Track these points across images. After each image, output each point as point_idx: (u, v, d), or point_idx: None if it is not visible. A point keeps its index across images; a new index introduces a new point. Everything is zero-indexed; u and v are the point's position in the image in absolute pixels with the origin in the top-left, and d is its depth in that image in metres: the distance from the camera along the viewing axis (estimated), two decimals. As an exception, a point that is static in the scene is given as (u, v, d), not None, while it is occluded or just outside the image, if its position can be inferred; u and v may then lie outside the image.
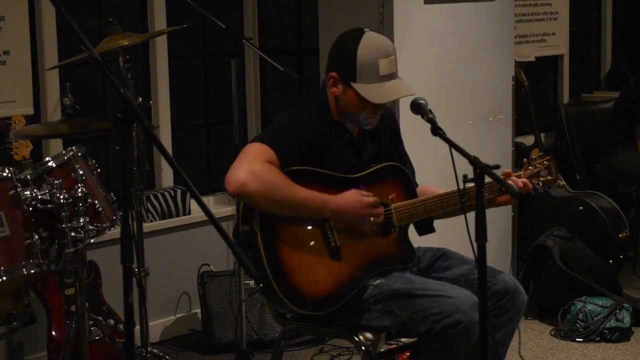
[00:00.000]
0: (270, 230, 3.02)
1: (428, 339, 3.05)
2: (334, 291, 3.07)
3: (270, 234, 3.02)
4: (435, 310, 3.02)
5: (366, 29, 3.18)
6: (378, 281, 3.14)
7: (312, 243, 3.06)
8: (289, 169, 3.03)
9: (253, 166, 2.96)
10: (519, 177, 3.30)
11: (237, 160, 3.01)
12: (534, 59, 6.35)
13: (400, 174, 3.28)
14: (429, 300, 3.05)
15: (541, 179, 3.35)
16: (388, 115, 3.38)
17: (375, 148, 3.32)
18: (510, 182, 3.14)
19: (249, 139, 5.38)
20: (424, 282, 3.18)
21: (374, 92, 3.11)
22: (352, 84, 3.12)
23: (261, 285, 3.04)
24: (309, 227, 3.07)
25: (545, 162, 3.36)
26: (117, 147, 2.46)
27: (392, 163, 3.28)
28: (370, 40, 3.14)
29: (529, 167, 3.36)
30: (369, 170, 3.21)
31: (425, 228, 3.33)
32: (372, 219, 3.09)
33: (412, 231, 3.31)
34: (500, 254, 5.08)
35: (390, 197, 3.21)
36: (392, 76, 3.15)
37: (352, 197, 3.07)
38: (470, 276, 3.24)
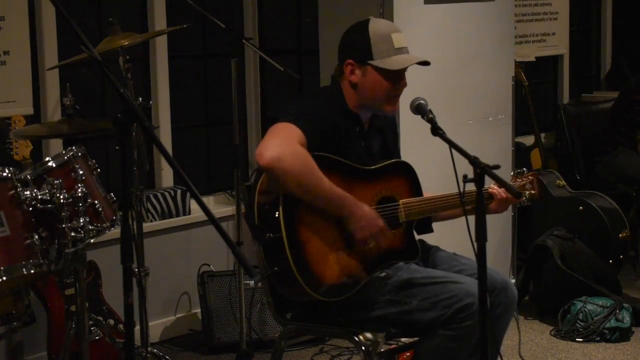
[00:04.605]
0: (291, 212, 3.02)
1: (435, 328, 3.07)
2: (348, 278, 3.09)
3: (291, 216, 3.02)
4: (445, 296, 3.06)
5: (370, 17, 3.25)
6: (384, 273, 3.17)
7: (329, 229, 3.08)
8: (313, 153, 3.04)
9: (290, 145, 2.97)
10: None
11: (270, 136, 3.01)
12: (534, 59, 6.35)
13: (409, 171, 3.32)
14: (439, 287, 3.09)
15: (525, 191, 3.53)
16: (391, 117, 3.43)
17: (382, 143, 3.36)
18: (493, 191, 3.33)
19: (249, 137, 5.46)
20: (430, 271, 3.23)
21: (392, 62, 3.15)
22: (369, 62, 3.16)
23: (276, 268, 3.04)
24: (327, 213, 3.07)
25: (529, 177, 3.56)
26: (117, 147, 2.45)
27: (403, 160, 3.33)
28: (378, 21, 3.24)
29: (517, 180, 3.55)
30: (384, 164, 3.25)
31: (424, 228, 3.38)
32: (373, 242, 3.11)
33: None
34: (500, 254, 5.08)
35: (398, 192, 3.23)
36: (407, 50, 3.21)
37: (374, 215, 3.10)
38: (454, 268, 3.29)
